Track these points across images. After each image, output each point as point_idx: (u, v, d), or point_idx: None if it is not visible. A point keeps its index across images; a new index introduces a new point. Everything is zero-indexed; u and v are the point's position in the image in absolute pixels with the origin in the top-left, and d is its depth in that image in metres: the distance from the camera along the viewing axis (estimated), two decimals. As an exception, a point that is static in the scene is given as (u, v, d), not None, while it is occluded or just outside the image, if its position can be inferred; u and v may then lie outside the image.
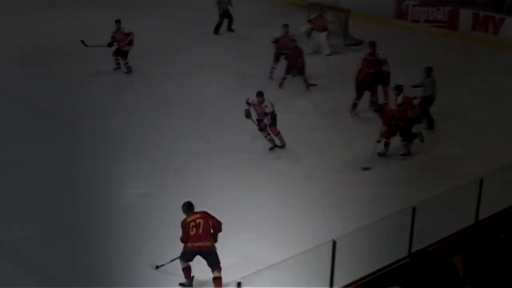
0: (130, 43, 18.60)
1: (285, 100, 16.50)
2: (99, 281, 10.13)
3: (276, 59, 18.35)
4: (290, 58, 17.78)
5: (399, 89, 14.30)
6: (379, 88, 16.44)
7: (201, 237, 9.76)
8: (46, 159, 13.99)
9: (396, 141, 14.32)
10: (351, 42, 21.25)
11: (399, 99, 14.22)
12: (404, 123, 14.11)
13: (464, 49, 21.19)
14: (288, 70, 17.75)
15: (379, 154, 14.13)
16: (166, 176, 13.34)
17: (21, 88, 17.71)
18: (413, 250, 9.00)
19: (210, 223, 9.85)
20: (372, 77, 16.23)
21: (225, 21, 22.68)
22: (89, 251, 10.96)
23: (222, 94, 17.48)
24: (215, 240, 9.89)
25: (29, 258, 10.89)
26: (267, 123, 14.34)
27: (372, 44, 16.61)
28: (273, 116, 14.34)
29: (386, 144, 14.26)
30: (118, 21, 18.68)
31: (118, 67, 18.79)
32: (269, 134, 14.47)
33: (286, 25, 18.60)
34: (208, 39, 21.91)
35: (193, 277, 10.12)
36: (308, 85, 17.74)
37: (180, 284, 10.19)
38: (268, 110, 14.23)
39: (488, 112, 16.41)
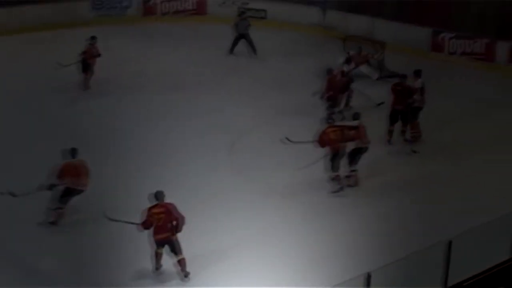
0: (97, 55, 19.46)
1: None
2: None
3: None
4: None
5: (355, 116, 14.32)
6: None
7: (161, 229, 11.00)
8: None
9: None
10: (386, 75, 21.18)
11: (355, 123, 14.12)
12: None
13: (501, 81, 21.00)
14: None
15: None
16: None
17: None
18: (449, 284, 8.86)
19: (173, 217, 11.02)
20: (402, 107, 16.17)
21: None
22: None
23: (256, 125, 17.51)
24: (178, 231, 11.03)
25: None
26: None
27: (403, 76, 16.61)
28: None
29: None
30: (93, 37, 19.63)
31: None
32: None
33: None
34: (242, 69, 21.99)
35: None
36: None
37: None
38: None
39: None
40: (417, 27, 23.59)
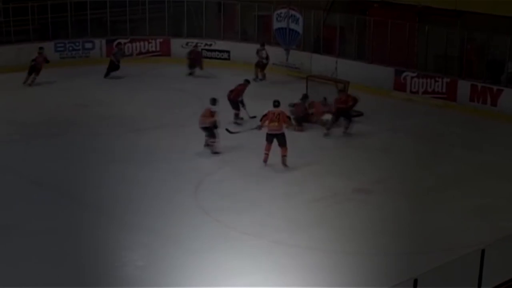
0: (46, 61, 24.38)
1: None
2: None
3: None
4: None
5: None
6: None
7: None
8: (48, 230, 13.88)
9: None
10: (351, 114, 21.31)
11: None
12: None
13: (462, 120, 21.30)
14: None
15: None
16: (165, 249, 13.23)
17: (22, 162, 17.70)
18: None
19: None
20: None
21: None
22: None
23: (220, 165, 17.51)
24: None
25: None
26: None
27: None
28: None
29: None
30: (41, 48, 24.63)
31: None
32: None
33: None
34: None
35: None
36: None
37: None
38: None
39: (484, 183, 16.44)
40: (380, 66, 23.91)
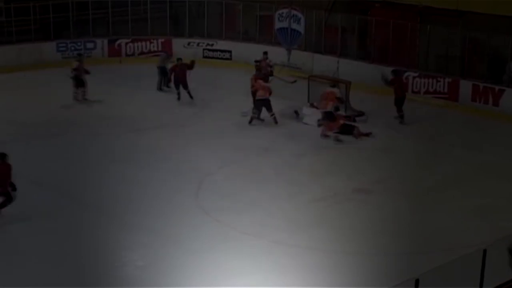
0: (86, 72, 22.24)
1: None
2: None
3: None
4: None
5: None
6: None
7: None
8: (48, 230, 13.91)
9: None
10: (352, 114, 21.31)
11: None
12: None
13: (463, 120, 21.26)
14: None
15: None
16: (165, 249, 13.22)
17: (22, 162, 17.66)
18: None
19: None
20: None
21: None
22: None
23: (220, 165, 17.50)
24: None
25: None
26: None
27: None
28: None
29: None
30: (80, 55, 23.74)
31: None
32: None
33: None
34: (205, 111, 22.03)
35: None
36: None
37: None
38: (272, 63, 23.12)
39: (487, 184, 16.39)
40: (382, 66, 23.87)
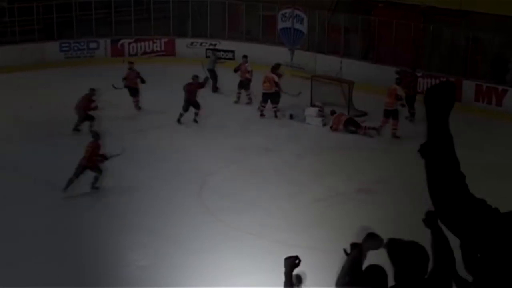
0: (142, 81, 21.19)
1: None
2: None
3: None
4: None
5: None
6: None
7: None
8: (48, 230, 13.96)
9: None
10: (355, 114, 21.30)
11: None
12: None
13: (466, 120, 21.14)
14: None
15: None
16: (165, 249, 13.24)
17: (22, 161, 17.71)
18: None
19: None
20: None
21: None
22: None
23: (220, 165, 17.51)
24: None
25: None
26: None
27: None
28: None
29: None
30: (131, 62, 22.44)
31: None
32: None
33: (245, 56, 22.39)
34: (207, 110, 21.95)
35: None
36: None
37: None
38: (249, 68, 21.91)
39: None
40: (385, 66, 23.84)
